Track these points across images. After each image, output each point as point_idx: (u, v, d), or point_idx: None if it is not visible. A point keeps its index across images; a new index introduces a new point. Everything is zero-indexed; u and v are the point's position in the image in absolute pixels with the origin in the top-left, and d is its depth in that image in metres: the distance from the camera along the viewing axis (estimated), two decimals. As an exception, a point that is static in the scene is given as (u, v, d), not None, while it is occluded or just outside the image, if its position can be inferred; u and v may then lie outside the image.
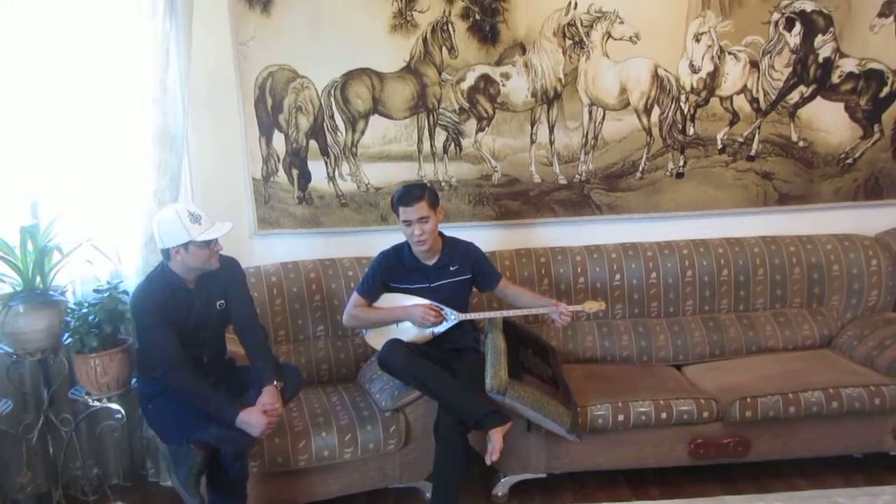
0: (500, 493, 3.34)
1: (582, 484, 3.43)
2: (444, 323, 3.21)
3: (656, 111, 3.85)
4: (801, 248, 3.85)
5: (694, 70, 3.82)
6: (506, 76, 3.78)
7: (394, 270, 3.28)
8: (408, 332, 3.24)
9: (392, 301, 3.28)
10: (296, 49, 3.70)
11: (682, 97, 3.84)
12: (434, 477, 3.12)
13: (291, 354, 3.61)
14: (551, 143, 3.86)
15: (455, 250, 3.30)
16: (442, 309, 3.20)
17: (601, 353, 3.74)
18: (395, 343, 3.14)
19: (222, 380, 3.00)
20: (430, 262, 3.26)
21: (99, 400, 3.15)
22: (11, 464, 3.35)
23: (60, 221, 3.20)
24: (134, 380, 3.16)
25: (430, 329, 3.21)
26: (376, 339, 3.27)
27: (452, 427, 3.01)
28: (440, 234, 3.26)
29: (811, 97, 3.88)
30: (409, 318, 3.22)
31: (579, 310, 3.27)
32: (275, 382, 2.92)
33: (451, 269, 3.28)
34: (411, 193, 3.12)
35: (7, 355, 3.15)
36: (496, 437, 2.95)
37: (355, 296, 3.30)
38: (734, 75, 3.84)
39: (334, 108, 3.77)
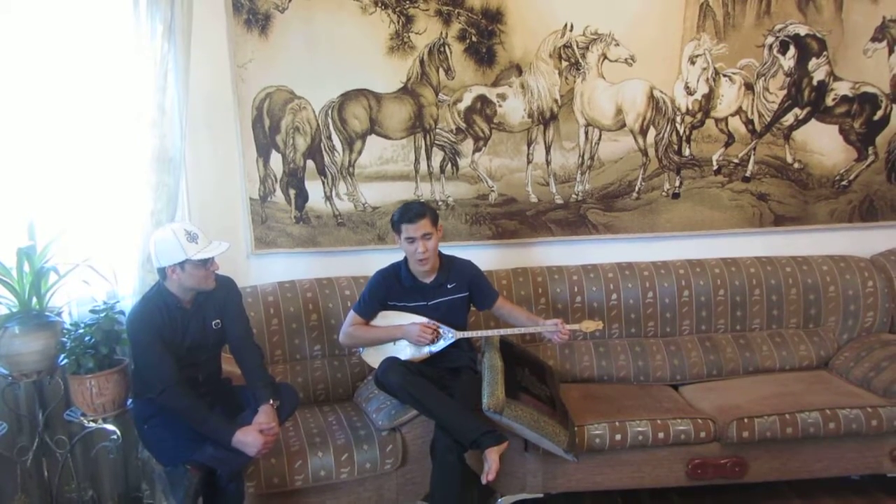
0: (497, 514, 3.33)
1: (579, 505, 3.43)
2: (441, 341, 3.21)
3: (652, 132, 3.88)
4: (797, 269, 3.86)
5: (689, 92, 3.85)
6: (502, 97, 3.81)
7: (391, 289, 3.28)
8: (404, 350, 3.24)
9: (389, 320, 3.28)
10: (293, 70, 3.73)
11: (678, 118, 3.87)
12: (431, 498, 3.11)
13: (288, 374, 3.60)
14: (548, 163, 3.89)
15: (452, 268, 3.31)
16: (439, 327, 3.21)
17: (598, 373, 3.74)
18: (392, 361, 3.14)
19: (218, 400, 2.99)
20: (428, 281, 3.27)
21: (94, 421, 3.13)
22: (6, 487, 3.32)
23: (57, 242, 3.20)
24: (130, 401, 3.15)
25: (427, 348, 3.21)
26: (373, 358, 3.27)
27: (449, 447, 3.00)
28: (438, 252, 3.27)
29: (806, 119, 3.91)
30: (405, 336, 3.22)
31: (577, 329, 3.28)
32: (271, 402, 2.91)
33: (449, 286, 3.29)
34: (414, 211, 3.15)
35: (2, 377, 3.13)
36: (492, 457, 2.94)
37: (352, 314, 3.30)
38: (729, 97, 3.87)
39: (331, 128, 3.79)
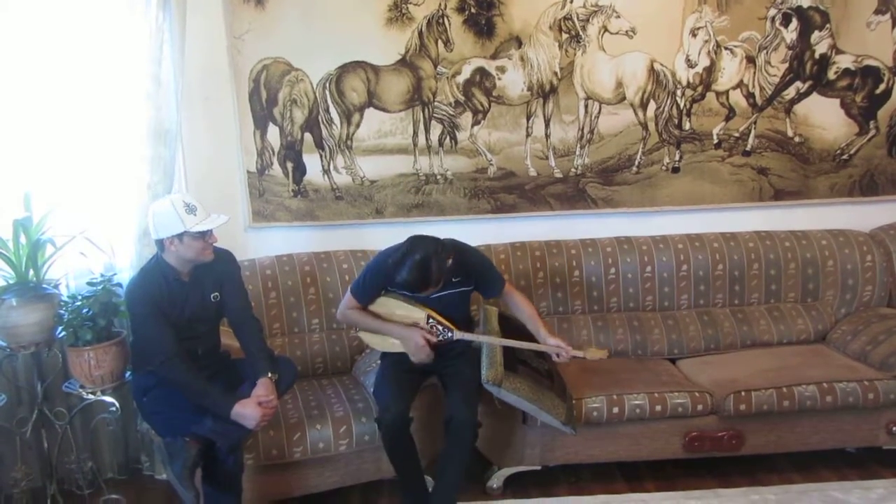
0: (494, 486, 3.35)
1: (577, 476, 3.44)
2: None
3: (652, 106, 3.85)
4: (795, 244, 3.85)
5: (690, 65, 3.82)
6: (501, 70, 3.78)
7: (392, 278, 3.04)
8: (400, 345, 3.14)
9: (388, 307, 3.15)
10: (290, 42, 3.69)
11: (679, 92, 3.85)
12: (439, 471, 3.06)
13: (286, 347, 3.59)
14: (547, 136, 3.86)
15: (460, 262, 3.06)
16: (439, 334, 3.08)
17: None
18: (394, 410, 2.98)
19: (217, 373, 2.99)
20: None
21: (93, 393, 3.14)
22: (5, 458, 3.34)
23: (54, 214, 3.18)
24: (128, 373, 3.16)
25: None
26: (370, 338, 3.22)
27: (467, 425, 2.94)
28: None
29: (807, 93, 3.89)
30: (403, 342, 3.09)
31: (581, 355, 3.06)
32: (269, 375, 2.91)
33: (454, 280, 3.10)
34: (418, 284, 2.91)
35: (1, 349, 3.14)
36: None
37: (350, 297, 3.16)
38: (730, 70, 3.84)
39: (329, 101, 3.76)
